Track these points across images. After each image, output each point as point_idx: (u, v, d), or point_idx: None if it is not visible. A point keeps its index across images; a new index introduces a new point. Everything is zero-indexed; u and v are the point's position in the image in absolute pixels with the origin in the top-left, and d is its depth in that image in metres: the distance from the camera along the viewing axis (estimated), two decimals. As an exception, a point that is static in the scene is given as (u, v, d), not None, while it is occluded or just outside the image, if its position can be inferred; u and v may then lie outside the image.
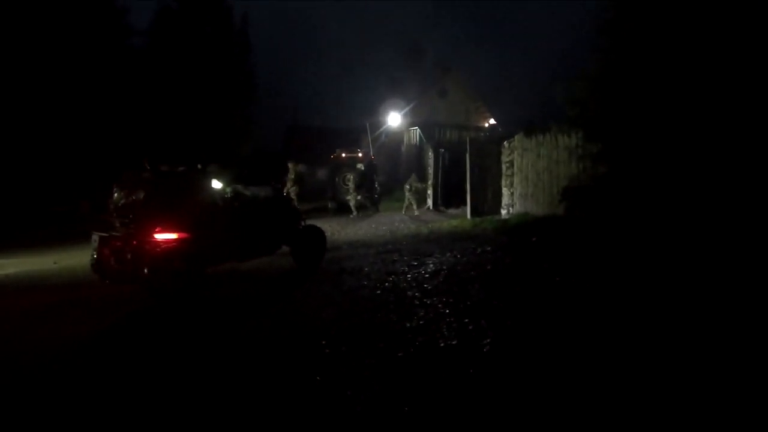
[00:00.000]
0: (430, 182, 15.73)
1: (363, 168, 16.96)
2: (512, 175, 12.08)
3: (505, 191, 12.35)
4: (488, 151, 13.12)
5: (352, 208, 14.81)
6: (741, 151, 4.99)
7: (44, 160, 11.44)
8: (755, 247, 4.62)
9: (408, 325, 4.42)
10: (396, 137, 22.70)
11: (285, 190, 12.40)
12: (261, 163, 15.85)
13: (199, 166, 6.55)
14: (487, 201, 12.95)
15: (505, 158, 12.36)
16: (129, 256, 5.40)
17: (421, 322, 4.47)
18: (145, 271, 5.38)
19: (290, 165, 14.00)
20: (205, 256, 6.01)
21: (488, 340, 3.92)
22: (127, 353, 4.13)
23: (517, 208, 11.64)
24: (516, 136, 11.87)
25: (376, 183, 16.68)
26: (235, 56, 14.27)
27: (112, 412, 3.08)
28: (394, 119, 22.38)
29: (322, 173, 18.18)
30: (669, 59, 5.55)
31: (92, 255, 5.81)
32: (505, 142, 12.42)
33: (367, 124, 19.81)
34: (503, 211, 12.19)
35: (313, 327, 4.50)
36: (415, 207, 14.65)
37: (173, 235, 5.70)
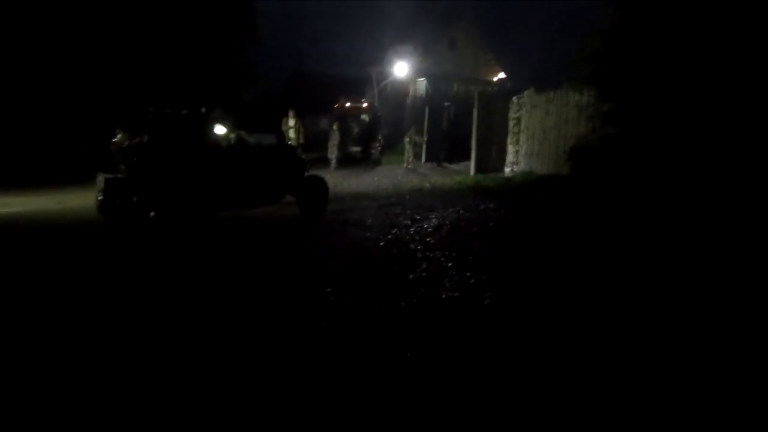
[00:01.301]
0: (425, 138, 15.48)
1: (367, 119, 16.67)
2: (519, 132, 11.90)
3: (510, 149, 12.21)
4: (496, 106, 12.84)
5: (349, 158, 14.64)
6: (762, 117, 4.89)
7: (44, 101, 11.21)
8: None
9: (411, 276, 4.52)
10: (402, 89, 22.12)
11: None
12: (263, 110, 15.53)
13: (203, 110, 6.44)
14: (491, 158, 12.84)
15: (512, 115, 12.12)
16: (135, 198, 5.42)
17: (423, 274, 4.56)
18: (151, 213, 5.41)
19: (290, 113, 13.63)
20: (210, 201, 6.03)
21: (489, 294, 4.02)
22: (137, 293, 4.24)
23: (522, 167, 11.57)
24: (526, 92, 11.59)
25: (380, 135, 16.46)
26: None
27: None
28: (400, 69, 21.71)
29: (324, 123, 17.87)
30: (690, 14, 5.32)
31: (97, 196, 5.83)
32: (514, 98, 12.14)
33: (373, 74, 19.27)
34: (507, 169, 12.12)
35: (318, 275, 4.60)
36: (411, 160, 14.53)
37: (178, 178, 5.69)
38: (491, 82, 23.53)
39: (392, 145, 17.80)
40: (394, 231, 6.31)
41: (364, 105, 17.76)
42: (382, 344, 3.21)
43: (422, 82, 17.77)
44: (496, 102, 13.03)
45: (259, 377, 2.81)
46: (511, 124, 12.19)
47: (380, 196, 9.27)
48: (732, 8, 5.06)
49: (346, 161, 15.11)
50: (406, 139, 15.01)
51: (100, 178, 5.79)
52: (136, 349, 3.14)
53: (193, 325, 3.55)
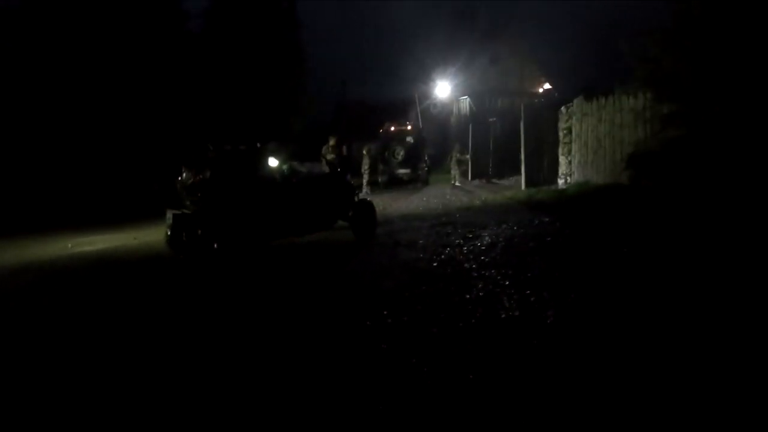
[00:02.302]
0: (469, 155, 15.32)
1: (412, 141, 16.81)
2: (570, 142, 11.53)
3: (562, 159, 11.84)
4: (544, 117, 12.57)
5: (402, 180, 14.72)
6: None
7: (114, 145, 12.33)
8: None
9: (467, 296, 4.42)
10: (445, 108, 22.19)
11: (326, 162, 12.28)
12: (313, 139, 16.09)
13: (258, 145, 6.78)
14: (542, 170, 12.49)
15: (562, 125, 11.79)
16: (199, 232, 5.75)
17: (480, 294, 4.45)
18: (215, 246, 5.72)
19: (331, 139, 13.33)
20: (267, 231, 6.29)
21: (551, 312, 3.85)
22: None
23: (576, 177, 11.15)
24: (575, 101, 11.27)
25: (426, 155, 16.51)
26: (285, 34, 14.49)
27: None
28: (443, 89, 21.86)
29: (373, 148, 18.19)
30: (758, 5, 4.98)
31: (167, 231, 6.25)
32: (562, 108, 11.83)
33: (416, 96, 19.51)
34: (560, 181, 11.72)
35: (374, 298, 4.60)
36: (457, 177, 14.40)
37: (238, 211, 6.00)
38: (537, 94, 23.09)
39: (438, 165, 17.79)
40: (446, 250, 6.23)
41: (409, 127, 17.95)
42: (442, 366, 3.14)
43: (465, 100, 17.76)
44: (543, 113, 12.76)
45: (323, 401, 2.82)
46: (561, 134, 11.85)
47: (430, 216, 9.23)
48: None
49: (394, 183, 15.24)
50: (452, 158, 14.97)
51: (169, 215, 6.22)
52: (199, 367, 3.26)
53: (257, 349, 3.65)
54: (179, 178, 6.42)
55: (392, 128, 17.64)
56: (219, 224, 5.82)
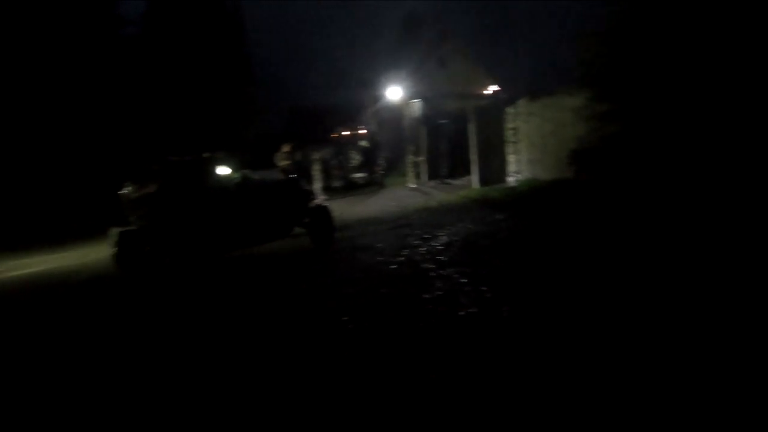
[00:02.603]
0: (424, 157, 15.57)
1: (367, 144, 16.87)
2: (518, 141, 11.96)
3: (511, 158, 12.26)
4: (492, 118, 12.95)
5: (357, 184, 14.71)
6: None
7: (57, 159, 11.54)
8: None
9: (427, 296, 4.48)
10: (397, 111, 22.41)
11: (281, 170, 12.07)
12: (266, 146, 15.78)
13: (205, 154, 6.56)
14: (493, 169, 12.87)
15: (510, 125, 12.21)
16: (147, 248, 5.50)
17: (439, 293, 4.52)
18: (166, 260, 5.48)
19: (284, 146, 12.87)
20: (220, 242, 6.10)
21: (507, 307, 3.97)
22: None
23: (525, 175, 11.58)
24: (520, 101, 11.71)
25: (380, 159, 16.62)
26: (230, 40, 14.10)
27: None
28: (393, 93, 22.04)
29: (325, 153, 18.07)
30: (686, 10, 5.38)
31: (112, 249, 5.92)
32: (509, 108, 12.25)
33: (367, 100, 19.58)
34: (510, 179, 12.13)
35: (333, 304, 4.57)
36: (414, 180, 14.62)
37: (188, 224, 5.77)
38: (485, 95, 23.78)
39: (393, 168, 17.94)
40: (405, 252, 6.29)
41: (363, 131, 17.99)
42: (405, 368, 3.16)
43: (417, 103, 18.04)
44: (491, 114, 13.15)
45: (284, 406, 2.77)
46: (509, 134, 12.27)
47: (387, 219, 9.28)
48: (729, 5, 5.10)
49: (350, 188, 15.22)
50: (408, 159, 15.17)
51: (113, 231, 5.89)
52: (154, 382, 3.11)
53: (215, 359, 3.53)
54: (122, 192, 6.10)
55: (346, 132, 17.62)
56: (168, 238, 5.57)
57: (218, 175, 6.32)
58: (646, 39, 5.85)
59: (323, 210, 7.53)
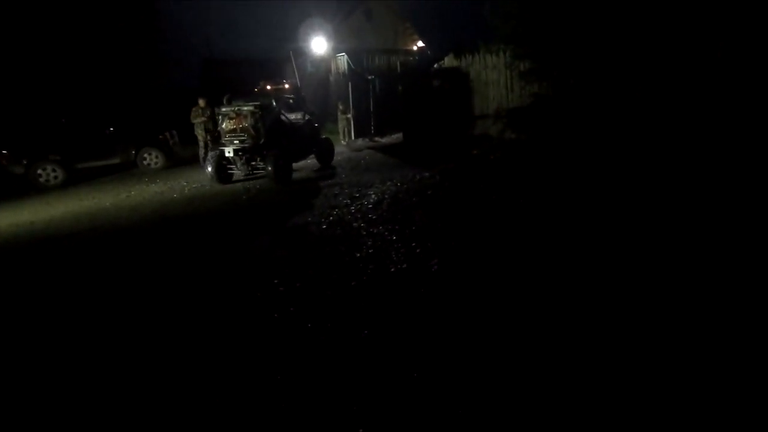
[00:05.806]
0: (351, 113, 15.29)
1: (290, 100, 16.10)
2: (445, 98, 12.09)
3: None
4: (419, 74, 12.92)
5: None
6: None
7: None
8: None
9: (358, 255, 4.52)
10: (323, 65, 21.54)
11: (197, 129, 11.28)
12: (181, 100, 14.47)
13: (273, 103, 9.47)
14: (421, 127, 12.97)
15: (435, 82, 12.27)
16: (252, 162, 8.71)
17: (370, 251, 4.58)
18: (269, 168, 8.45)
19: (201, 101, 11.51)
20: (294, 155, 9.37)
21: (435, 261, 4.13)
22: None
23: (451, 132, 11.81)
24: (446, 58, 11.75)
25: (306, 114, 16.00)
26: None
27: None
28: (319, 45, 21.07)
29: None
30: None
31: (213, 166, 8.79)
32: (434, 65, 12.27)
33: (291, 52, 18.51)
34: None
35: (264, 268, 4.46)
36: (343, 136, 14.36)
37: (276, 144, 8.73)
38: (412, 52, 23.56)
39: (320, 123, 17.41)
40: (335, 212, 6.24)
41: (287, 85, 17.12)
42: (338, 327, 3.20)
43: (343, 57, 17.41)
44: (418, 71, 13.11)
45: (209, 369, 2.71)
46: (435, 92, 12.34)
47: (315, 177, 9.11)
48: None
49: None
50: (339, 117, 14.77)
51: (212, 154, 8.74)
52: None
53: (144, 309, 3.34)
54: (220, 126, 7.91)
55: (268, 87, 16.65)
56: (271, 152, 8.51)
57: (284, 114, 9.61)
58: None
59: (328, 141, 10.59)
